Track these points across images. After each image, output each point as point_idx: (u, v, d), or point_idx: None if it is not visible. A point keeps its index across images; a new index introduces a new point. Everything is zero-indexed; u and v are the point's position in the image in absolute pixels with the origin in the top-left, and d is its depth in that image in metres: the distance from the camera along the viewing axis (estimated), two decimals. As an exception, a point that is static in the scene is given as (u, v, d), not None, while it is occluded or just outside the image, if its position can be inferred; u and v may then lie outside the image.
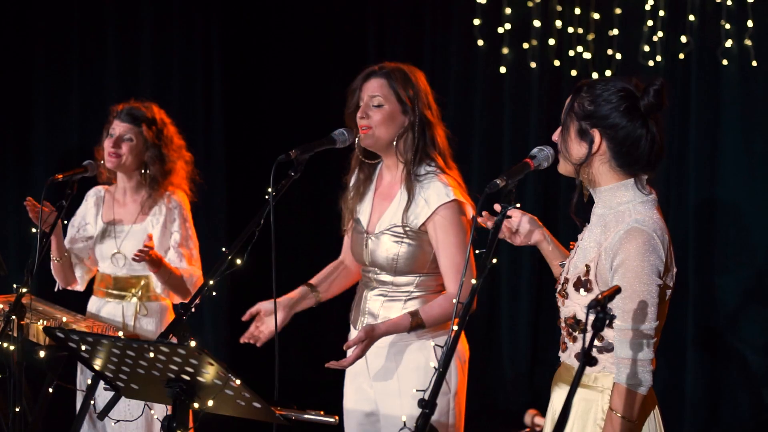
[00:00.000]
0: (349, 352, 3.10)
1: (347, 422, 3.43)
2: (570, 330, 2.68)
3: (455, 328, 2.38)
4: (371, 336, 3.09)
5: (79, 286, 4.16)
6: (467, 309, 2.41)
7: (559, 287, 2.74)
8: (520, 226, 2.86)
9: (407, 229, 3.24)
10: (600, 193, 2.67)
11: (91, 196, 4.18)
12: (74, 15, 6.49)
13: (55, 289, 4.15)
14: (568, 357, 2.72)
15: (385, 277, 3.30)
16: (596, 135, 2.61)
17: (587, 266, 2.63)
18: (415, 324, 3.16)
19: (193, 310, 3.78)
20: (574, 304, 2.66)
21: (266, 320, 3.32)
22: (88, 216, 4.12)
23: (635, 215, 2.58)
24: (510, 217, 2.82)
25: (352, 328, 3.42)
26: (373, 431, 3.38)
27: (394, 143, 3.28)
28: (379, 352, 3.29)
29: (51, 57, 6.50)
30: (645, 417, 2.62)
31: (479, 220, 2.74)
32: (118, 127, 4.03)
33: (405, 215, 3.25)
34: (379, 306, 3.29)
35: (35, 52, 6.48)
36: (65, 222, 4.09)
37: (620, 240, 2.54)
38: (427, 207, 3.23)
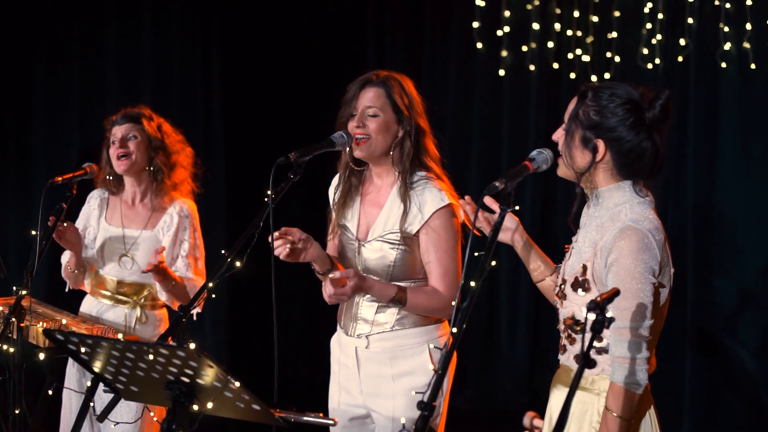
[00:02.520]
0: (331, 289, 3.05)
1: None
2: (569, 332, 2.69)
3: (455, 330, 2.38)
4: (362, 282, 3.07)
5: (87, 288, 4.15)
6: (466, 312, 2.41)
7: (557, 289, 2.75)
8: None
9: (404, 236, 3.23)
10: (598, 195, 2.68)
11: (95, 198, 4.15)
12: (74, 16, 6.49)
13: (66, 290, 4.14)
14: (567, 359, 2.72)
15: None
16: (601, 145, 2.62)
17: (584, 266, 2.63)
18: (397, 299, 3.15)
19: (196, 311, 3.77)
20: (573, 305, 2.66)
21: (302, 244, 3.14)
22: (91, 219, 4.10)
23: (630, 215, 2.59)
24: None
25: (341, 331, 3.38)
26: None
27: (390, 153, 3.27)
28: (372, 357, 3.28)
29: (51, 57, 6.50)
30: (641, 417, 2.63)
31: (479, 217, 2.72)
32: (119, 131, 4.02)
33: (402, 223, 3.23)
34: (373, 312, 3.26)
35: (36, 52, 6.48)
36: (64, 224, 4.08)
37: (614, 238, 2.56)
38: (421, 214, 3.22)
